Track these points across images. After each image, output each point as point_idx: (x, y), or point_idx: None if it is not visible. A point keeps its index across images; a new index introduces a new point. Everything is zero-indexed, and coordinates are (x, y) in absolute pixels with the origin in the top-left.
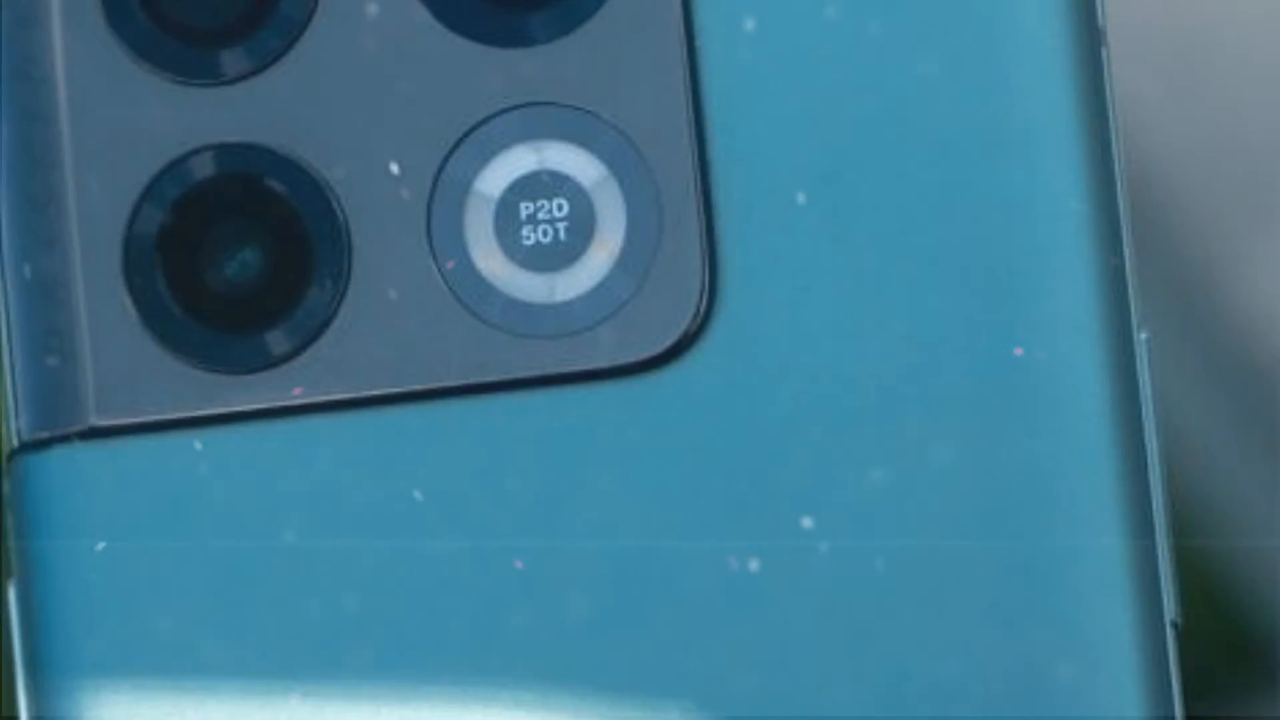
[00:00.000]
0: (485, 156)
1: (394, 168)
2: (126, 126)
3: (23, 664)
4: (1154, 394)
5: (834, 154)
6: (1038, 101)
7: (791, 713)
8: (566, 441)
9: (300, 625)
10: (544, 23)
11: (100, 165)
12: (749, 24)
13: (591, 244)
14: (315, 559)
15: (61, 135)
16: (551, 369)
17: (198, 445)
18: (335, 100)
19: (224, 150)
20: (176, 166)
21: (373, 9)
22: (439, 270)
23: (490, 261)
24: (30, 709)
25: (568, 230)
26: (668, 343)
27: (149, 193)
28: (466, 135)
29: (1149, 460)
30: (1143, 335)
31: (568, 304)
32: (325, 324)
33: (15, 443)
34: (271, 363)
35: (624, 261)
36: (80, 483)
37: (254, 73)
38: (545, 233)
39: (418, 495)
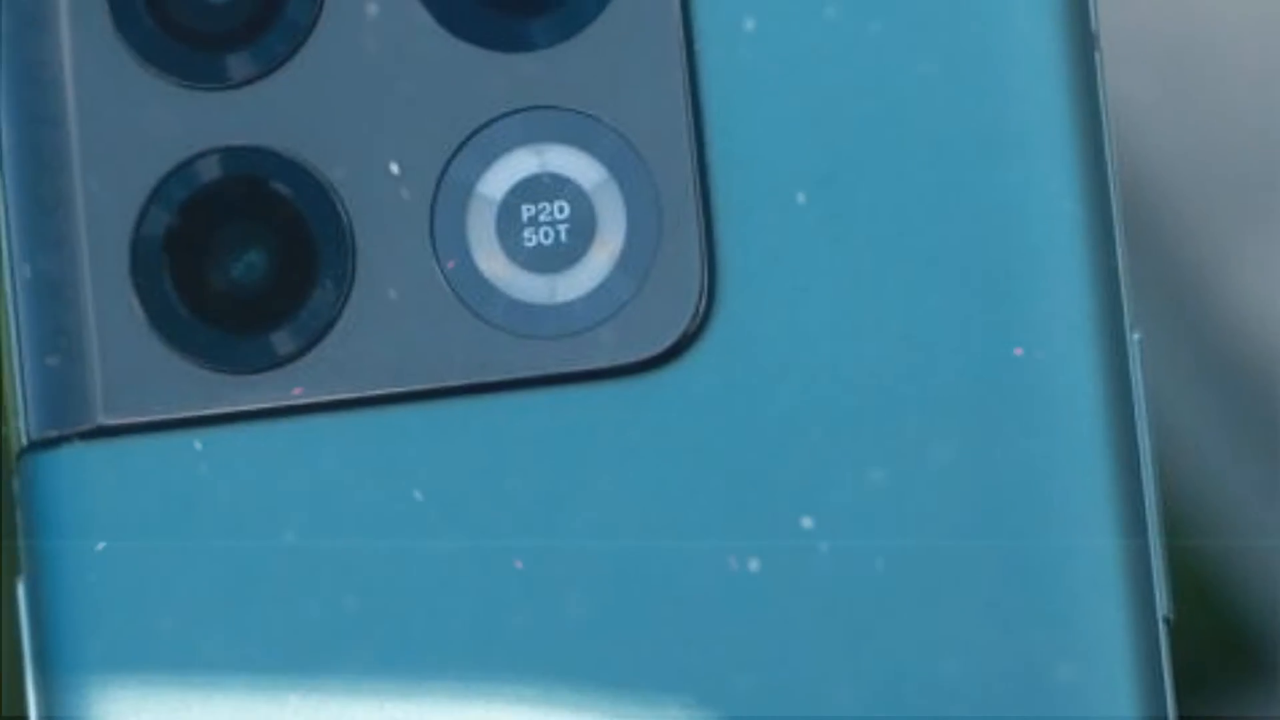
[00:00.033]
0: (487, 159)
1: (397, 170)
2: (133, 130)
3: (31, 661)
4: (1147, 393)
5: (831, 157)
6: (1032, 105)
7: (788, 710)
8: (567, 440)
9: (306, 623)
10: (545, 28)
11: (107, 168)
12: (747, 30)
13: (592, 246)
14: (321, 556)
15: (70, 138)
16: (553, 369)
17: (204, 444)
18: (340, 104)
19: (230, 153)
20: (183, 169)
21: (376, 14)
22: (442, 271)
23: (492, 263)
24: (38, 705)
25: (569, 232)
26: (667, 343)
27: (156, 195)
28: (469, 139)
29: (1142, 458)
30: (1135, 335)
31: (569, 305)
32: (330, 324)
33: (24, 442)
34: (277, 363)
35: (624, 263)
36: (88, 481)
37: (259, 77)
38: (547, 234)
39: (421, 493)
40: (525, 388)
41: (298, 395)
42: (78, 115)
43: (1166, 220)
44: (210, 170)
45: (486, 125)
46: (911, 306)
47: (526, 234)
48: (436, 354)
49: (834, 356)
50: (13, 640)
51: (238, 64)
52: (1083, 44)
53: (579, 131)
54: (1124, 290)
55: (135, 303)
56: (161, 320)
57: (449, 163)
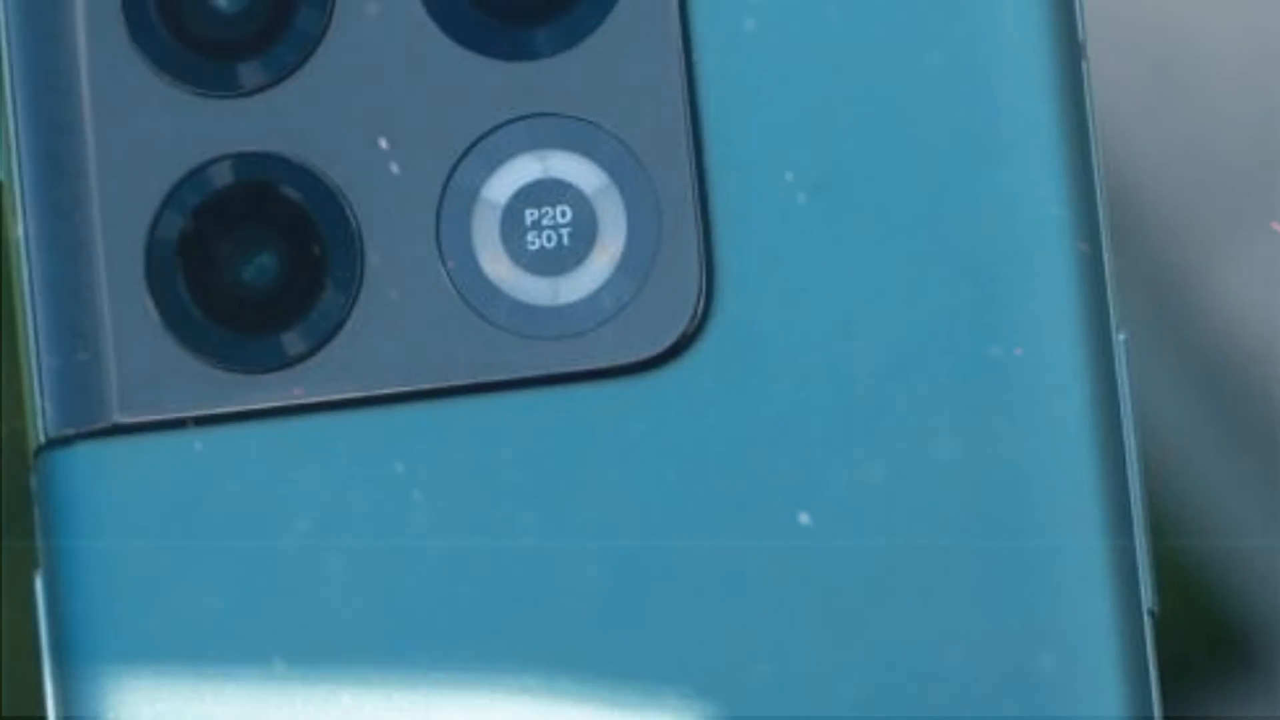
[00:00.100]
0: (492, 165)
1: (404, 175)
2: (148, 136)
3: (49, 654)
4: (1132, 393)
5: (826, 163)
6: (1021, 112)
7: (779, 701)
8: (569, 438)
9: (317, 617)
10: (548, 37)
11: (123, 173)
12: (743, 40)
13: (593, 249)
14: (331, 551)
15: (86, 144)
16: (555, 369)
17: (216, 442)
18: (348, 111)
19: (242, 159)
20: (196, 175)
21: (384, 25)
22: (447, 274)
23: (496, 266)
24: (55, 699)
25: (571, 236)
26: (667, 343)
27: (170, 200)
28: (474, 145)
29: (1127, 456)
30: (1121, 336)
31: (570, 306)
32: (338, 325)
33: (41, 439)
34: (287, 363)
35: (624, 265)
36: (104, 478)
37: (270, 85)
38: (549, 238)
39: (428, 488)
40: (528, 387)
41: (306, 395)
42: (94, 122)
43: (1151, 223)
44: (222, 176)
45: (491, 132)
46: (903, 307)
47: (530, 237)
48: (442, 354)
49: (829, 356)
50: (17, 637)
51: (249, 72)
52: (1071, 53)
53: (581, 138)
54: (1110, 291)
55: (150, 304)
56: (175, 321)
57: (454, 168)
